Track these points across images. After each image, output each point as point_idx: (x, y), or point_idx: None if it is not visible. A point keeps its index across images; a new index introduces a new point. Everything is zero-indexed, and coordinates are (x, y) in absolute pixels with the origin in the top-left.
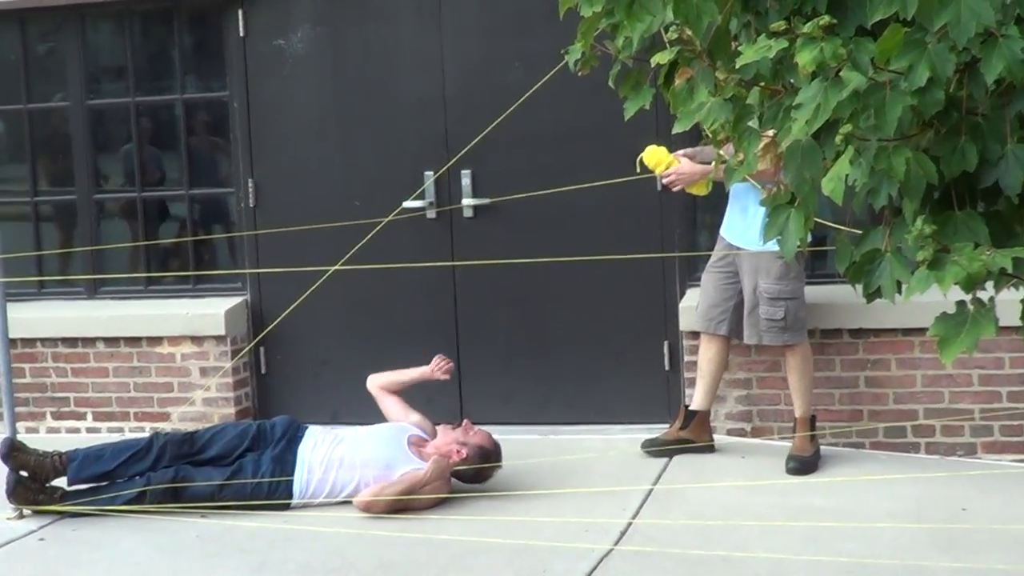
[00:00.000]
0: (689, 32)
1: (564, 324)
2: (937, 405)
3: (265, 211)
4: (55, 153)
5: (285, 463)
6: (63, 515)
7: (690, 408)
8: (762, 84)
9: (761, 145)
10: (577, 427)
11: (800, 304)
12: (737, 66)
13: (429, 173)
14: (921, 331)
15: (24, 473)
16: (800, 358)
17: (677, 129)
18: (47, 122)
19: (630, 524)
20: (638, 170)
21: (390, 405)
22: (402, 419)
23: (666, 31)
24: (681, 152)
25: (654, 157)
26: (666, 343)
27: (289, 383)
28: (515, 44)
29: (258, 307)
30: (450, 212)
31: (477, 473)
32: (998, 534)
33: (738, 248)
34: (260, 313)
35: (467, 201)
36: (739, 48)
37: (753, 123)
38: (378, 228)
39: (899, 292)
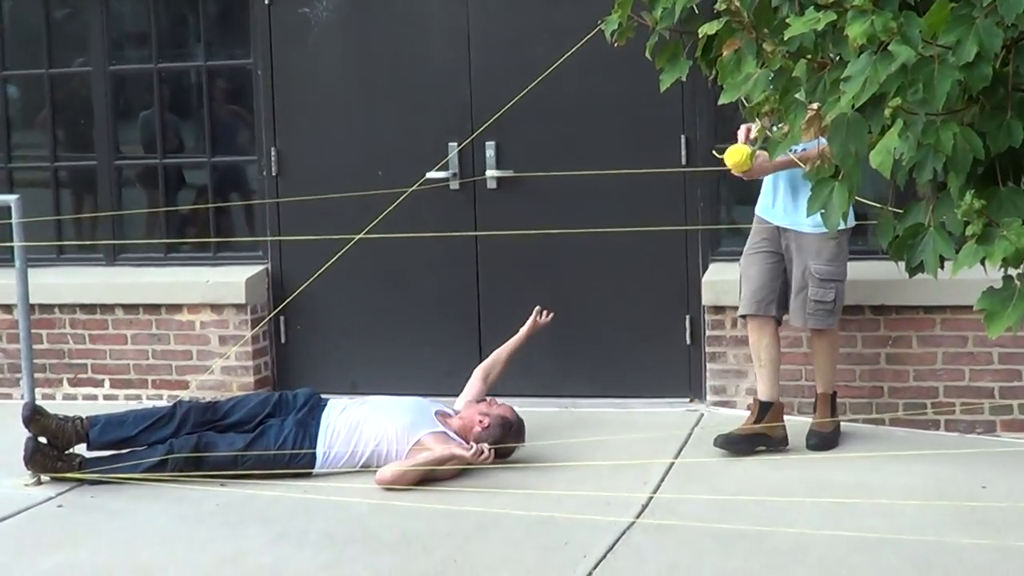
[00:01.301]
0: (737, 3)
1: (586, 297)
2: (957, 383)
3: (288, 180)
4: (76, 119)
5: (308, 427)
6: (81, 482)
7: (762, 400)
8: (808, 56)
9: (805, 118)
10: (597, 400)
11: (844, 288)
12: (785, 38)
13: (453, 144)
14: (943, 309)
15: (43, 440)
16: (830, 341)
17: (723, 100)
18: (68, 88)
19: (651, 498)
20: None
21: (468, 392)
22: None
23: (715, 2)
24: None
25: (734, 158)
26: (688, 317)
27: (308, 353)
28: (542, 15)
29: (279, 276)
30: (473, 183)
31: (500, 443)
32: (1018, 512)
33: (787, 229)
34: (281, 282)
35: (491, 173)
36: (787, 20)
37: (800, 95)
38: (402, 198)
39: (941, 267)
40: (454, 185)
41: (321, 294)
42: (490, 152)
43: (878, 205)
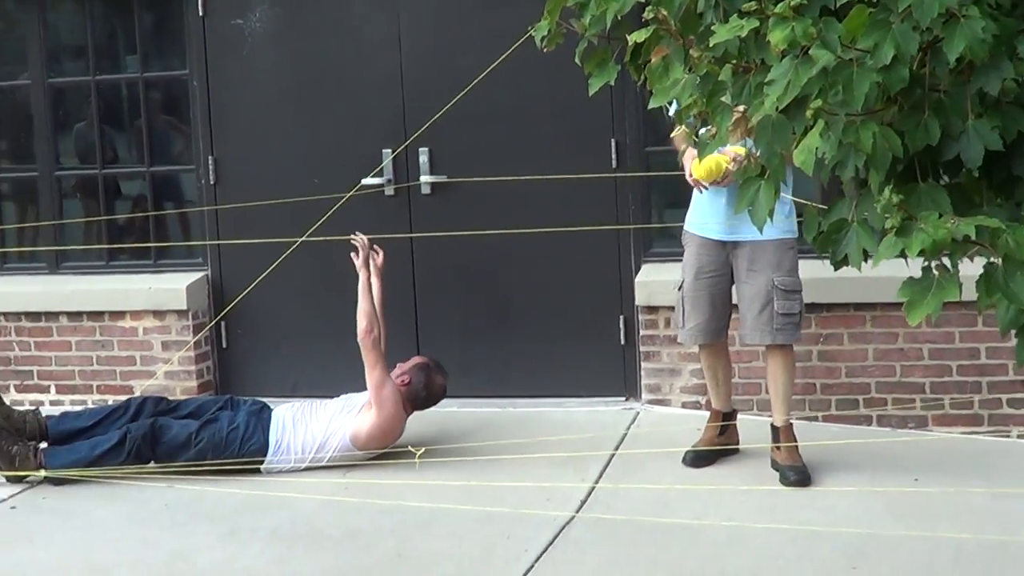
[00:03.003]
0: (664, 12)
1: (521, 299)
2: (888, 379)
3: (225, 188)
4: (16, 131)
5: (261, 418)
6: (32, 483)
7: (723, 412)
8: (733, 61)
9: (731, 120)
10: (534, 399)
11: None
12: (710, 44)
13: (387, 151)
14: (872, 306)
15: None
16: (791, 358)
17: (652, 104)
18: (8, 100)
19: (590, 493)
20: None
21: None
22: None
23: (643, 10)
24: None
25: (704, 169)
26: (622, 317)
27: (250, 357)
28: (472, 24)
29: (218, 282)
30: (408, 189)
31: (429, 392)
32: (949, 504)
33: (740, 243)
34: (220, 288)
35: (425, 178)
36: (712, 27)
37: (726, 99)
38: (341, 203)
39: (865, 260)
40: (389, 191)
41: (261, 299)
42: (424, 158)
43: (808, 203)
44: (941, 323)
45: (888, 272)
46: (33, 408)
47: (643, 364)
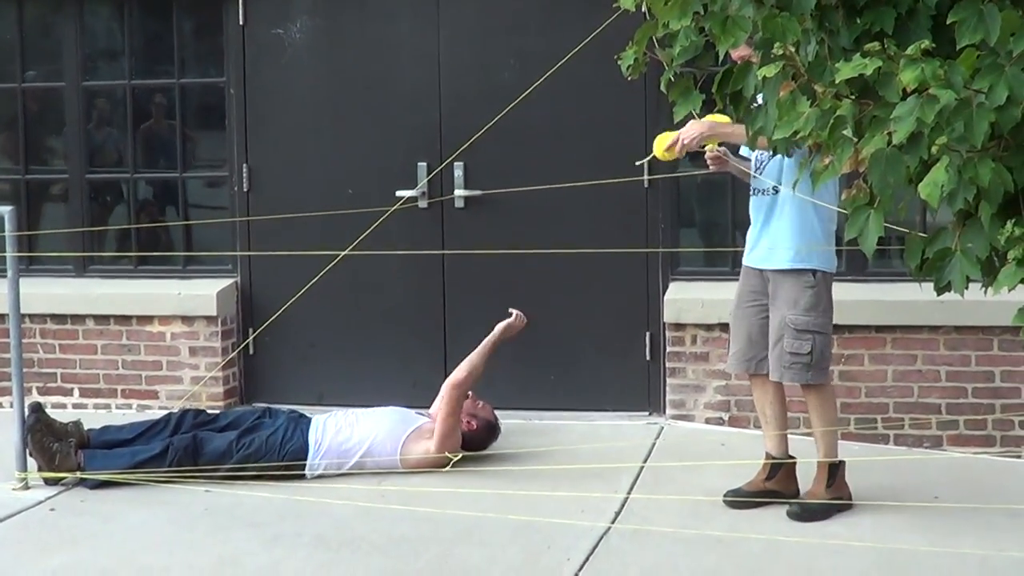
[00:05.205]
0: (792, 49)
1: (549, 313)
2: (906, 399)
3: (259, 196)
4: (49, 132)
5: (299, 423)
6: (67, 486)
7: (773, 457)
8: (852, 97)
9: (851, 152)
10: (558, 413)
11: (827, 340)
12: (836, 80)
13: (422, 164)
14: (892, 328)
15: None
16: (822, 399)
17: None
18: (42, 101)
19: (624, 503)
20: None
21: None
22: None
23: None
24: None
25: (661, 146)
26: (648, 334)
27: (277, 365)
28: (509, 43)
29: (248, 289)
30: (441, 202)
31: (483, 446)
32: (969, 520)
33: (765, 271)
34: (250, 295)
35: (459, 192)
36: (836, 65)
37: (847, 132)
38: (381, 220)
39: (966, 287)
40: (422, 204)
41: (289, 307)
42: (458, 172)
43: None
44: (958, 346)
45: (909, 296)
46: (75, 420)
47: (668, 380)
